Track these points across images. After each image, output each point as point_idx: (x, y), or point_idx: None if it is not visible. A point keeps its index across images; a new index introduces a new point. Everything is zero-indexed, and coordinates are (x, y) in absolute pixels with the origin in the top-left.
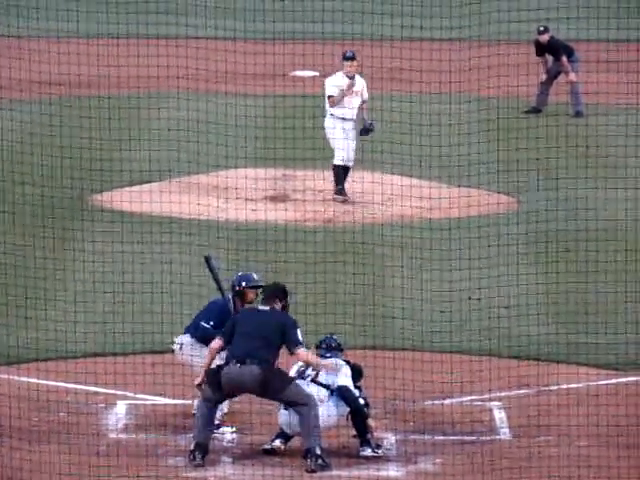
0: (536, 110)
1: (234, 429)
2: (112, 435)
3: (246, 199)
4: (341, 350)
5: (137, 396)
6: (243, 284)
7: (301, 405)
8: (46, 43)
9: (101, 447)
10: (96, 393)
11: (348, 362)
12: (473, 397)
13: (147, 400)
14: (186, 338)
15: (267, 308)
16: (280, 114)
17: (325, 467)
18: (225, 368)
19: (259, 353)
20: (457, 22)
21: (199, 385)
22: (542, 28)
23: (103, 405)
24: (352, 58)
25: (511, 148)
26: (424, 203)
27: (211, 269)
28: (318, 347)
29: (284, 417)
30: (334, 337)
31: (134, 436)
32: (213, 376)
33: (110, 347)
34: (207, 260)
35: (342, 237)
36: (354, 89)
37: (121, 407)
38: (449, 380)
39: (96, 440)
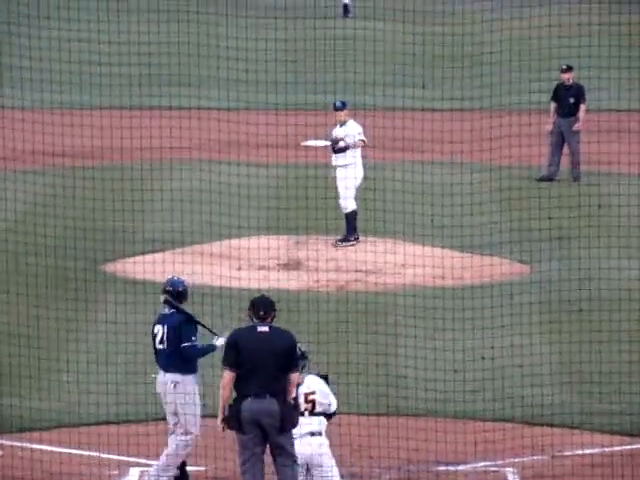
0: (548, 178)
1: None
2: None
3: (259, 267)
4: (306, 358)
5: (150, 463)
6: (185, 284)
7: (290, 457)
8: (59, 115)
9: None
10: (109, 460)
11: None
12: (487, 462)
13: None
14: (178, 376)
15: (266, 328)
16: (292, 183)
17: None
18: (244, 403)
19: (274, 387)
20: (468, 92)
21: (224, 422)
22: (565, 66)
23: (116, 472)
24: (339, 108)
25: (523, 216)
26: (436, 270)
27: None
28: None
29: None
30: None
31: None
32: (233, 411)
33: (123, 415)
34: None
35: (355, 304)
36: (338, 136)
37: (134, 473)
38: (463, 446)
39: None
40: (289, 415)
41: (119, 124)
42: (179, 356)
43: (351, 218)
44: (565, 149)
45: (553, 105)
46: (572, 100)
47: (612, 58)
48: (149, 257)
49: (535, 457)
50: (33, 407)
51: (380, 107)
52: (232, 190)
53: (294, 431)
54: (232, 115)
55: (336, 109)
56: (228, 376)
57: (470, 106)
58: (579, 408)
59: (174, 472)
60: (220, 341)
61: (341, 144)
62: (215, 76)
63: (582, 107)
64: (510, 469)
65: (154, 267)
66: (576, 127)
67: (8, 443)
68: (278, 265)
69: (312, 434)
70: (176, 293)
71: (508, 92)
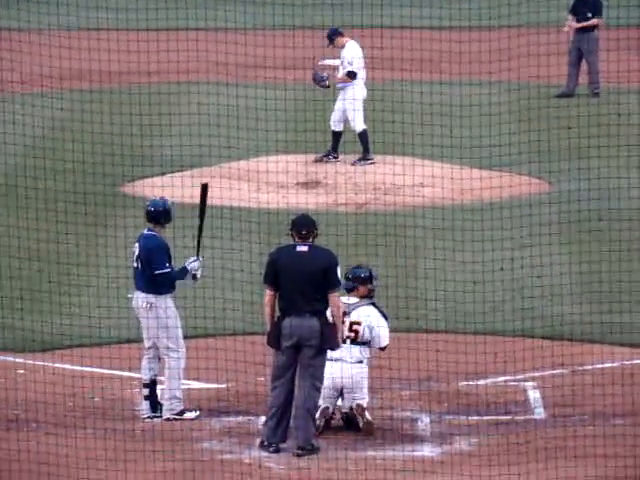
0: (567, 95)
1: (197, 413)
2: (147, 419)
3: (277, 185)
4: (376, 278)
5: None
6: (166, 204)
7: (316, 380)
8: (76, 37)
9: (136, 431)
10: (130, 378)
11: (373, 304)
12: (507, 377)
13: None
14: (151, 297)
15: (305, 248)
16: (310, 102)
17: (313, 451)
18: (285, 321)
19: (315, 306)
20: (486, 6)
21: (269, 339)
22: None
23: (137, 390)
24: (331, 41)
25: (542, 132)
26: (455, 186)
27: (203, 199)
28: (347, 279)
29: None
30: (363, 268)
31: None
32: (273, 328)
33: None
34: (204, 188)
35: (374, 221)
36: (338, 60)
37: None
38: (483, 361)
39: (131, 425)
40: (329, 334)
41: (136, 46)
42: (151, 278)
43: (364, 137)
44: (583, 65)
45: (571, 17)
46: (589, 15)
47: None
48: (167, 178)
49: (555, 371)
50: (55, 326)
51: (397, 25)
52: (250, 111)
53: (334, 355)
54: (249, 36)
55: (330, 43)
56: (268, 295)
57: (488, 23)
58: (599, 321)
59: (181, 388)
60: (193, 264)
61: (324, 83)
62: None
63: (598, 21)
64: (530, 383)
65: (173, 188)
66: (586, 24)
67: (30, 362)
68: (297, 184)
69: (353, 362)
70: (156, 213)
71: (526, 7)
